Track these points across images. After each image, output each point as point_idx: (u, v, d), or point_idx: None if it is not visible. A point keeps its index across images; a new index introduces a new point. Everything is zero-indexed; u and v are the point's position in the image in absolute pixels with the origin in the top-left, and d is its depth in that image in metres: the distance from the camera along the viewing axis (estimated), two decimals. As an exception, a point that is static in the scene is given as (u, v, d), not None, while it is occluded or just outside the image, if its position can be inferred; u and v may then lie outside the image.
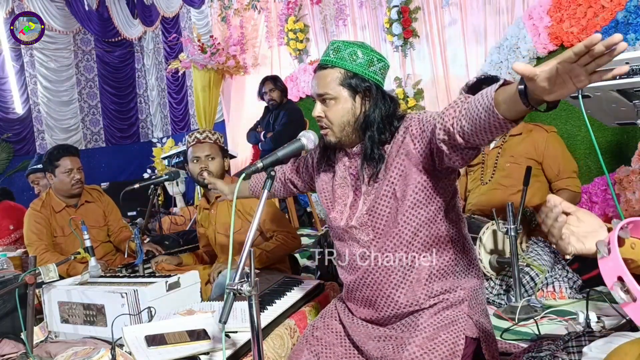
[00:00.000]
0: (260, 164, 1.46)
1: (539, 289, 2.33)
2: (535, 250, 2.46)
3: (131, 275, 2.30)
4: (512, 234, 2.21)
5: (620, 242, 0.92)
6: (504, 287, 2.39)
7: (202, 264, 2.68)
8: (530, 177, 2.36)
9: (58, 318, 1.99)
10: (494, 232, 2.44)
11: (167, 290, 1.92)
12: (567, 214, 0.97)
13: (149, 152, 8.12)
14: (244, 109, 6.54)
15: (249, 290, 1.23)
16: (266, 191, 1.39)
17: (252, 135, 4.85)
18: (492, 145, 2.79)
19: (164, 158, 6.23)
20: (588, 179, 3.42)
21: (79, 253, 2.15)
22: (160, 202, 6.23)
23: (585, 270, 2.43)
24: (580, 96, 1.18)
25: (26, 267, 2.96)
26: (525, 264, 2.36)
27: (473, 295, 1.50)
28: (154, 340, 1.60)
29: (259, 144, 4.76)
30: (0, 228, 3.90)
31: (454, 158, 1.29)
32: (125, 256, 2.96)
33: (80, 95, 9.03)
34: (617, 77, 1.62)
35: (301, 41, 5.73)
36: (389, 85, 4.79)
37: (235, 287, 1.23)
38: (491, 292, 2.39)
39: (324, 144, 1.59)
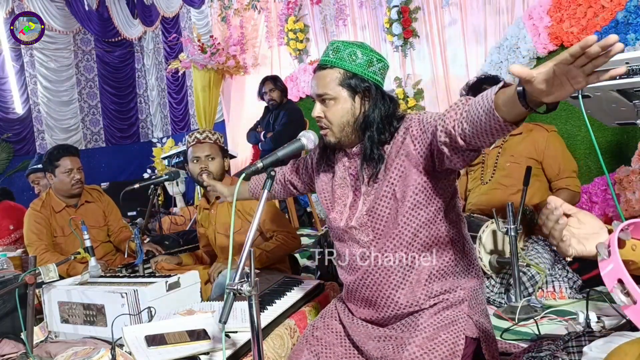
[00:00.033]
0: (260, 164, 1.46)
1: (539, 288, 2.33)
2: (536, 249, 2.46)
3: (131, 275, 2.30)
4: (512, 234, 2.21)
5: (621, 243, 0.92)
6: (504, 285, 2.39)
7: (201, 265, 2.68)
8: (530, 177, 2.36)
9: (58, 318, 1.99)
10: (494, 232, 2.44)
11: (167, 290, 1.92)
12: (567, 215, 0.97)
13: (149, 152, 8.12)
14: (244, 109, 6.54)
15: (249, 290, 1.23)
16: (266, 191, 1.39)
17: (252, 135, 4.85)
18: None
19: (164, 158, 6.23)
20: (588, 179, 3.42)
21: (79, 253, 2.15)
22: (160, 202, 6.24)
23: (585, 270, 2.43)
24: (580, 96, 1.18)
25: (26, 267, 2.95)
26: (525, 264, 2.36)
27: (473, 295, 1.50)
28: (154, 340, 1.60)
29: (259, 144, 4.75)
30: (0, 228, 3.91)
31: (454, 160, 1.29)
32: (125, 256, 2.96)
33: (80, 95, 9.03)
34: (617, 77, 1.62)
35: (301, 41, 5.73)
36: (389, 85, 4.79)
37: (235, 287, 1.22)
38: (492, 291, 2.39)
39: (323, 144, 1.59)
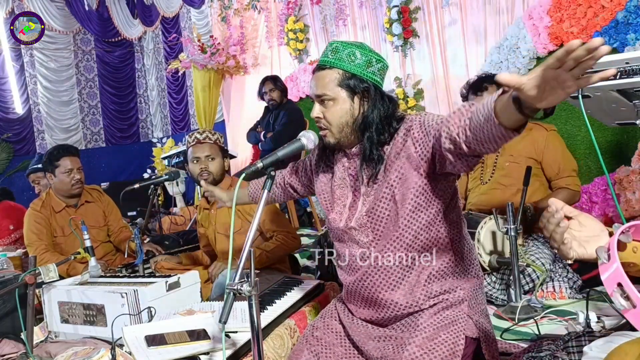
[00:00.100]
0: (260, 164, 1.46)
1: (540, 286, 2.33)
2: (536, 245, 2.46)
3: (131, 275, 2.31)
4: (512, 234, 2.21)
5: (622, 246, 0.92)
6: (504, 282, 2.39)
7: (200, 266, 2.68)
8: (530, 177, 2.36)
9: (58, 318, 1.99)
10: (493, 233, 2.44)
11: (167, 290, 1.92)
12: (568, 218, 0.97)
13: (149, 152, 8.13)
14: (244, 109, 6.54)
15: (249, 290, 1.23)
16: (266, 191, 1.39)
17: (252, 135, 4.85)
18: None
19: (164, 158, 6.23)
20: (588, 179, 3.42)
21: (79, 253, 2.16)
22: (160, 202, 6.23)
23: (585, 270, 2.43)
24: (580, 96, 1.18)
25: (26, 267, 2.95)
26: (525, 264, 2.36)
27: (473, 295, 1.50)
28: (154, 340, 1.60)
29: (259, 144, 4.76)
30: (0, 228, 3.91)
31: (458, 165, 1.28)
32: (125, 256, 2.96)
33: (80, 95, 9.04)
34: (618, 77, 1.62)
35: (301, 41, 5.73)
36: (388, 85, 4.79)
37: (235, 287, 1.22)
38: (493, 287, 2.39)
39: (323, 144, 1.58)
